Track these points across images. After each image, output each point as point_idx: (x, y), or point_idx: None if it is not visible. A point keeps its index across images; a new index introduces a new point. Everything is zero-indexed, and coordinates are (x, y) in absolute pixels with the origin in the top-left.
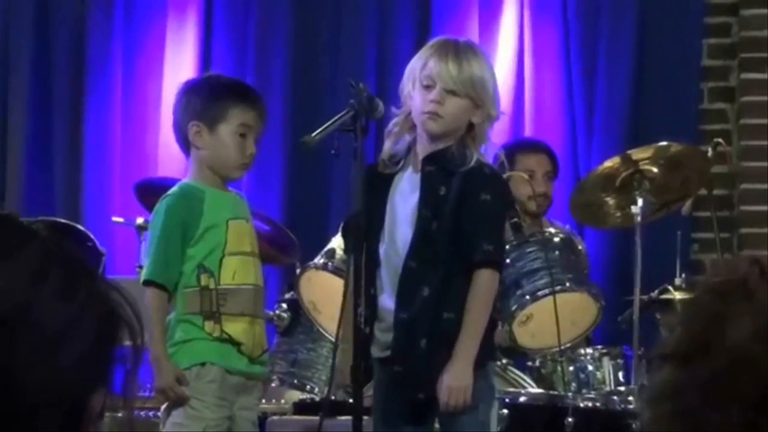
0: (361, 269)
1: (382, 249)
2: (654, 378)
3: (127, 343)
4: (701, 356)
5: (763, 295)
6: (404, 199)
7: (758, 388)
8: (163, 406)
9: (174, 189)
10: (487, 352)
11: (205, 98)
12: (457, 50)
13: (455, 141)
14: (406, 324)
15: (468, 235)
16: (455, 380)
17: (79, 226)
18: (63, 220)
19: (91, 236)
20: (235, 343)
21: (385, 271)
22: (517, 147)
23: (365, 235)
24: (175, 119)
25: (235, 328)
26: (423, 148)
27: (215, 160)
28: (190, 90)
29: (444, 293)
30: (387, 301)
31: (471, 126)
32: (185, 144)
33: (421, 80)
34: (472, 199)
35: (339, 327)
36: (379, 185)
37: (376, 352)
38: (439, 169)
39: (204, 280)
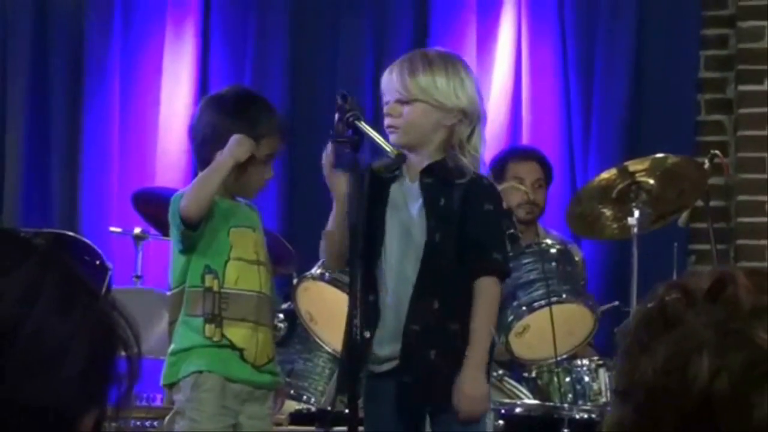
0: (357, 279)
1: (383, 257)
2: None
3: (124, 356)
4: (628, 393)
5: (682, 322)
6: (401, 208)
7: (671, 425)
8: (167, 417)
9: (185, 189)
10: (488, 363)
11: (242, 124)
12: (402, 61)
13: (443, 151)
14: (417, 335)
15: (475, 245)
16: (473, 389)
17: (87, 240)
18: (71, 233)
19: (99, 251)
20: (237, 349)
21: (385, 281)
22: (508, 155)
23: (366, 245)
24: (199, 132)
25: (236, 333)
26: (414, 160)
27: (237, 182)
28: (224, 108)
29: (452, 304)
30: (388, 310)
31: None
32: (207, 159)
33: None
34: (477, 209)
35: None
36: (378, 190)
37: (373, 367)
38: (437, 181)
39: (209, 281)
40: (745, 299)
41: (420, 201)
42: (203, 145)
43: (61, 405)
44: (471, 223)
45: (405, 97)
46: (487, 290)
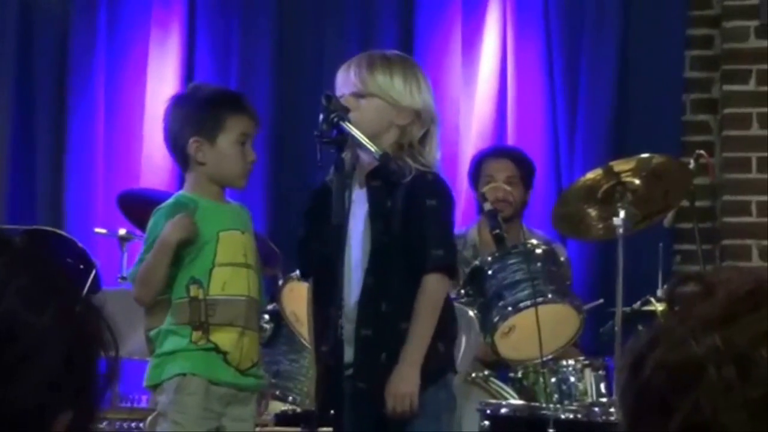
0: (342, 280)
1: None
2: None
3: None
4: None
5: (692, 317)
6: (353, 215)
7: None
8: (149, 419)
9: (169, 201)
10: (447, 363)
11: (200, 111)
12: (361, 58)
13: (393, 153)
14: (368, 340)
15: (418, 243)
16: (401, 386)
17: (79, 243)
18: (62, 233)
19: (83, 248)
20: (221, 352)
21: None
22: (482, 155)
23: (333, 252)
24: (168, 136)
25: (222, 337)
26: (364, 159)
27: (218, 172)
28: (181, 104)
29: (401, 305)
30: (346, 316)
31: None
32: (183, 160)
33: None
34: (419, 207)
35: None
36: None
37: None
38: (384, 183)
39: (193, 291)
40: (720, 305)
41: (367, 206)
42: (179, 140)
43: (35, 404)
44: (413, 222)
45: (361, 90)
46: (427, 288)
